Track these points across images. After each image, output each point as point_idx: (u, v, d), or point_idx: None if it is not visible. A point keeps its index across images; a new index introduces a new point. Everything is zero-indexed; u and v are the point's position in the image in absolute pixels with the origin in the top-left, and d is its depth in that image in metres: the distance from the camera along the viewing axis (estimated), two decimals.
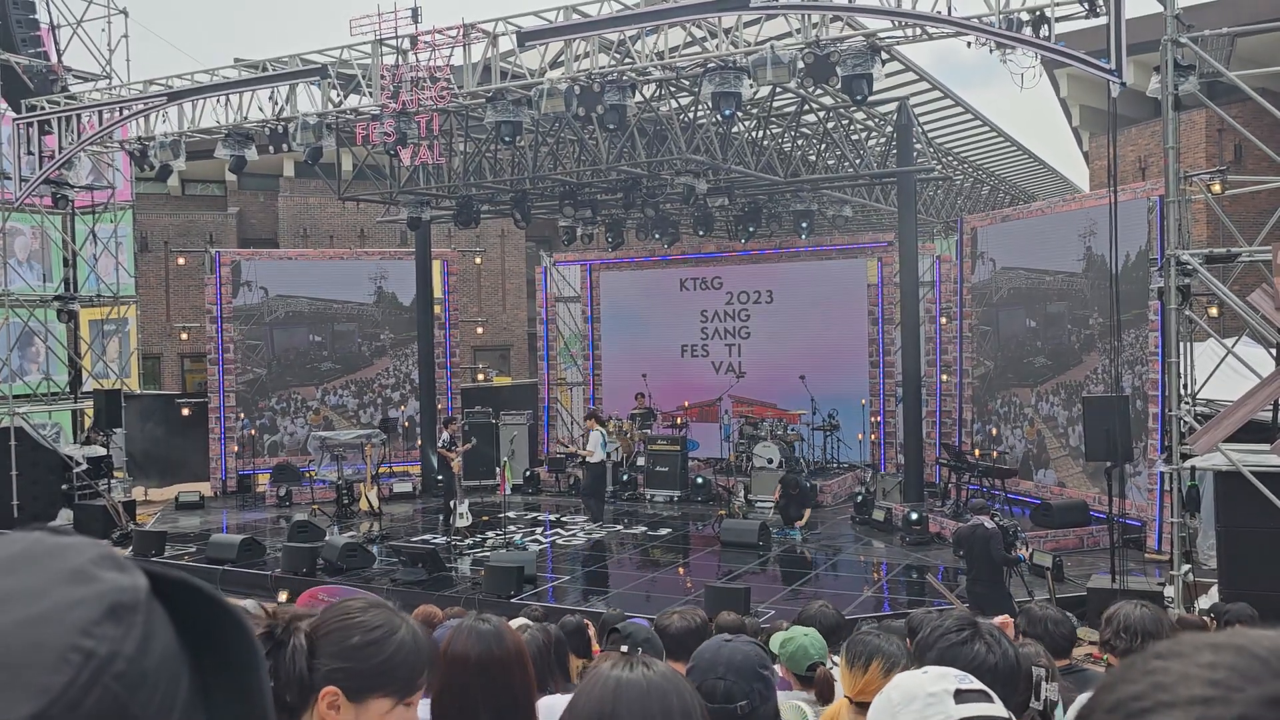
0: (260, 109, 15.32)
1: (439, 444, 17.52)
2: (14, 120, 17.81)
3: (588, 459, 17.05)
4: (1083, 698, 3.18)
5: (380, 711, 1.72)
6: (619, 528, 16.56)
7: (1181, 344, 10.41)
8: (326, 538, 14.72)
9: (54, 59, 18.82)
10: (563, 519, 17.20)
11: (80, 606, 0.62)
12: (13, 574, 0.64)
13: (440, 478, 17.63)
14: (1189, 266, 9.82)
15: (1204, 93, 10.29)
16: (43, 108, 17.43)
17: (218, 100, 15.63)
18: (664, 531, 16.33)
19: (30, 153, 17.61)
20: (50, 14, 18.90)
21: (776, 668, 3.27)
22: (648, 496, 18.77)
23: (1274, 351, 9.90)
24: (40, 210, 19.33)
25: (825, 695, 3.73)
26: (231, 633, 0.72)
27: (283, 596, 10.98)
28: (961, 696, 1.84)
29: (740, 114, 14.94)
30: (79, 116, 17.22)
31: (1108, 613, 4.10)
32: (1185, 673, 0.60)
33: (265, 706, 0.73)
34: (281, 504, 18.63)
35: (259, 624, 1.76)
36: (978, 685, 1.88)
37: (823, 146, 19.65)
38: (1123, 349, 13.77)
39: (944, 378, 18.35)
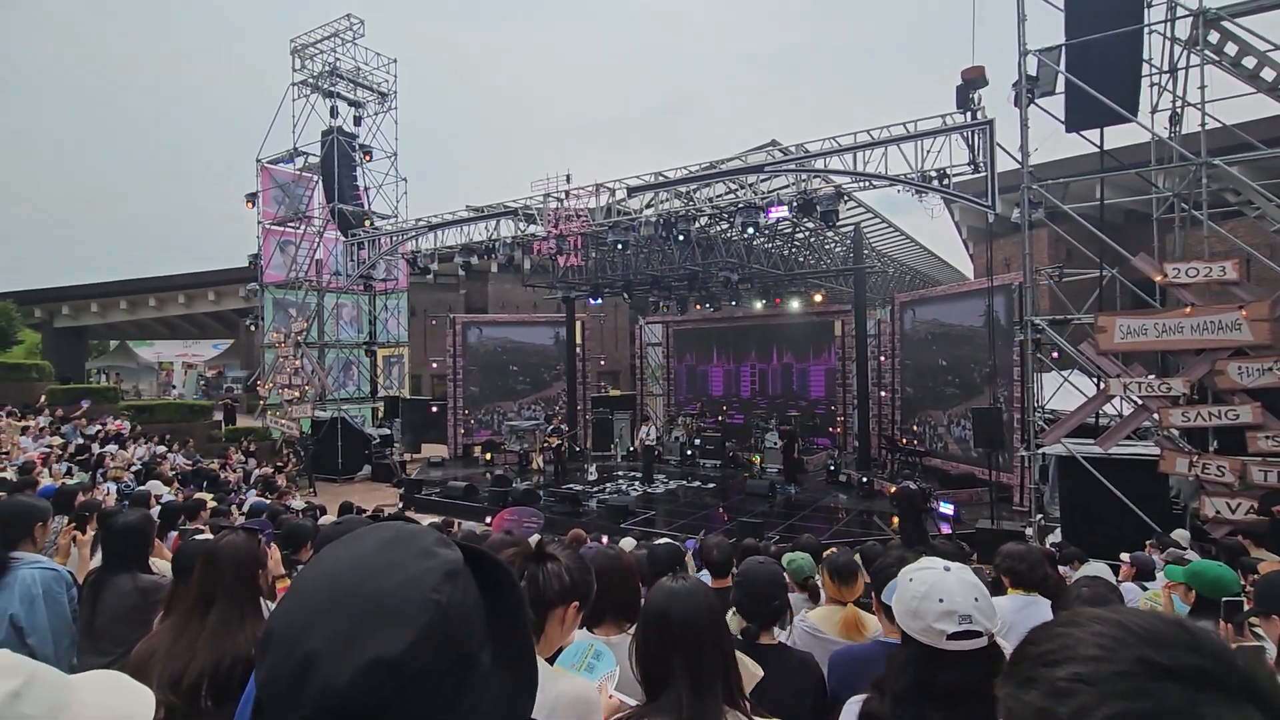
0: (479, 233, 15.79)
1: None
2: (344, 242, 18.72)
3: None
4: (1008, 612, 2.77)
5: (575, 611, 1.65)
6: (684, 483, 16.21)
7: (1036, 374, 9.92)
8: (513, 484, 14.89)
9: (366, 205, 19.70)
10: (654, 477, 16.96)
11: (431, 574, 0.64)
12: (391, 551, 0.66)
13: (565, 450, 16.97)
14: (1039, 326, 9.36)
15: (1047, 217, 9.83)
16: (359, 235, 18.28)
17: (456, 228, 16.18)
18: (710, 485, 16.03)
19: (352, 260, 18.45)
20: (363, 179, 19.84)
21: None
22: (701, 464, 18.51)
23: (1094, 380, 9.33)
24: (357, 292, 20.23)
25: (814, 597, 3.62)
26: (506, 582, 0.70)
27: (487, 519, 10.97)
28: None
29: (757, 233, 14.84)
30: (379, 239, 18.01)
31: (1001, 549, 3.66)
32: (1082, 638, 0.60)
33: (528, 630, 0.72)
34: (488, 465, 18.80)
35: (518, 551, 1.66)
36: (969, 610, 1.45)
37: (808, 252, 19.37)
38: (1001, 382, 13.13)
39: (883, 394, 17.76)
